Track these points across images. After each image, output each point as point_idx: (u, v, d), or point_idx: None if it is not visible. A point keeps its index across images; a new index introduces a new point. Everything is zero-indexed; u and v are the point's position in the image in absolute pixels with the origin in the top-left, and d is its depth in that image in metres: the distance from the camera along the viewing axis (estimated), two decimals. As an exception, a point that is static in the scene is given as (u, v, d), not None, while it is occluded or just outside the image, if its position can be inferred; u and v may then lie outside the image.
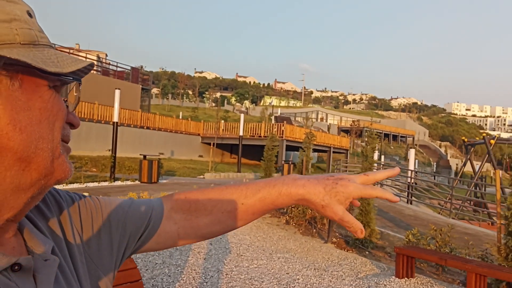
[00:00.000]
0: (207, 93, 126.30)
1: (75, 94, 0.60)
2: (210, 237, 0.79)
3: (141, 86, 29.54)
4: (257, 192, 0.74)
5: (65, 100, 0.58)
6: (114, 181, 14.17)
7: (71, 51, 28.01)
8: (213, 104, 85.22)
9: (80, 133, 19.95)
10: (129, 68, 29.56)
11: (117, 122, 14.81)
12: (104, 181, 14.07)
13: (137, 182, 14.53)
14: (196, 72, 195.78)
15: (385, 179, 0.75)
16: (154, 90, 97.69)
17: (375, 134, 8.86)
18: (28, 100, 0.51)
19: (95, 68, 27.34)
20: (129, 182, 14.52)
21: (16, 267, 0.49)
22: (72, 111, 0.59)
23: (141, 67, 79.81)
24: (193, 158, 26.86)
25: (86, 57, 27.35)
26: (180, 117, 32.50)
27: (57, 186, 0.64)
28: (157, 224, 0.74)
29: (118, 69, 29.07)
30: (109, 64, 30.18)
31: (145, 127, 24.10)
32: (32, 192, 0.52)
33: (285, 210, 10.40)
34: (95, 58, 31.32)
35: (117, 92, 14.69)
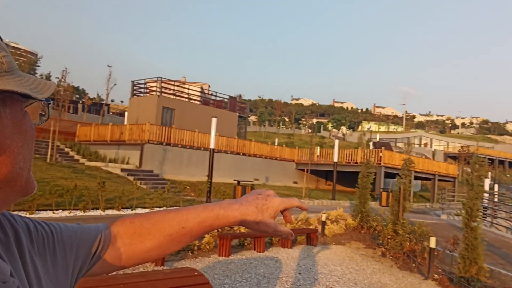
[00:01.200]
0: (303, 119, 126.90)
1: (42, 113, 0.62)
2: (148, 261, 0.82)
3: (238, 114, 30.67)
4: (197, 216, 0.79)
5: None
6: (210, 206, 14.69)
7: (177, 83, 30.18)
8: (309, 131, 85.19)
9: (182, 160, 21.20)
10: (227, 97, 30.96)
11: (213, 149, 15.44)
12: (201, 205, 14.64)
13: (231, 207, 14.87)
14: (292, 99, 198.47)
15: (294, 207, 0.82)
16: (252, 118, 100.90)
17: (483, 160, 7.98)
18: (14, 125, 0.54)
19: (197, 98, 29.13)
20: (224, 207, 14.91)
21: None
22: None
23: (240, 96, 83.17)
24: (288, 184, 26.86)
25: (188, 89, 29.28)
26: (276, 144, 32.93)
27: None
28: (105, 248, 0.75)
29: (218, 98, 30.60)
30: (211, 94, 31.91)
31: (241, 154, 24.81)
32: (4, 208, 0.57)
33: (381, 241, 9.79)
34: (198, 89, 33.38)
35: (214, 120, 15.38)
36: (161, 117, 24.18)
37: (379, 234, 10.22)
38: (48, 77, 60.85)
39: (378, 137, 62.44)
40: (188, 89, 29.14)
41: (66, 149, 21.34)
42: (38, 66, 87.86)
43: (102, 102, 56.91)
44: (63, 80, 22.79)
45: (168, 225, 0.78)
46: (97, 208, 11.78)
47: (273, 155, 27.18)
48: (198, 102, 28.49)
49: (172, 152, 20.61)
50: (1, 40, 0.56)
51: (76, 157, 20.59)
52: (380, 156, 24.25)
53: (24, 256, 0.61)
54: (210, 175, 15.19)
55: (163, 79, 25.80)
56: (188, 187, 18.95)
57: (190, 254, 8.17)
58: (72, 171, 16.06)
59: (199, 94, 31.15)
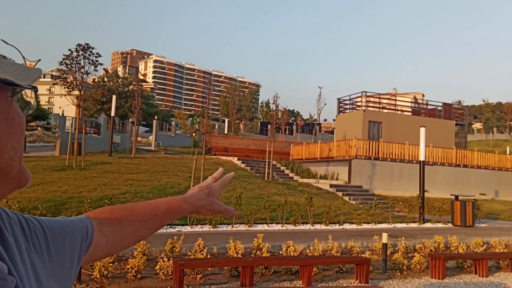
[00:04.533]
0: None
1: (32, 100, 0.60)
2: (129, 246, 0.88)
3: (455, 121, 27.69)
4: (164, 204, 0.91)
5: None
6: (423, 223, 13.51)
7: (387, 96, 29.37)
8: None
9: (392, 174, 20.29)
10: (441, 104, 28.37)
11: (423, 161, 14.25)
12: (413, 222, 13.60)
13: (449, 225, 13.34)
14: None
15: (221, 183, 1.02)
16: (477, 125, 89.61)
17: None
18: (8, 113, 0.53)
19: (408, 109, 27.64)
20: (440, 225, 13.49)
21: None
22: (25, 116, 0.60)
23: (459, 102, 75.10)
24: (526, 199, 22.52)
25: (396, 100, 28.08)
26: (507, 153, 28.23)
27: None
28: (91, 238, 0.77)
29: (429, 107, 28.35)
30: (424, 103, 29.86)
31: (461, 165, 22.16)
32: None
33: None
34: (409, 99, 31.75)
35: (422, 130, 14.23)
36: (368, 131, 23.82)
37: None
38: (267, 104, 67.83)
39: None
40: (396, 100, 27.95)
41: (282, 167, 23.10)
42: (259, 94, 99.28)
43: (314, 122, 59.91)
44: (275, 103, 24.97)
45: (142, 212, 0.87)
46: (306, 223, 12.26)
47: (503, 166, 23.33)
48: (408, 113, 26.99)
49: (381, 166, 19.96)
50: None
51: (290, 174, 22.06)
52: None
53: (21, 251, 0.61)
54: (421, 190, 14.03)
55: (368, 93, 25.50)
56: (400, 202, 17.94)
57: (399, 274, 7.61)
58: (285, 188, 17.25)
59: (409, 104, 29.53)
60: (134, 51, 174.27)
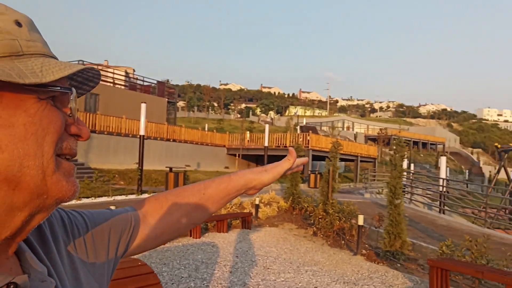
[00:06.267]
0: (232, 104, 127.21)
1: (73, 104, 0.55)
2: (181, 232, 0.86)
3: (167, 99, 29.96)
4: (213, 181, 0.87)
5: (69, 112, 0.55)
6: (141, 194, 14.31)
7: (100, 67, 28.74)
8: (238, 116, 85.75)
9: (109, 147, 20.34)
10: (155, 82, 30.07)
11: (143, 136, 15.00)
12: (132, 194, 14.23)
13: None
14: (221, 85, 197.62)
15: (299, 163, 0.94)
16: (181, 103, 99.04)
17: (404, 142, 8.59)
18: (10, 116, 0.48)
19: (123, 83, 27.95)
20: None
21: (12, 286, 0.48)
22: (74, 122, 0.55)
23: (167, 81, 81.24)
24: (219, 169, 26.93)
25: (114, 73, 27.99)
26: (206, 129, 32.77)
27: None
28: (137, 229, 0.77)
29: (145, 83, 29.60)
30: (136, 79, 30.77)
31: (171, 140, 24.36)
32: (28, 211, 0.50)
33: (312, 221, 10.21)
34: (123, 73, 32.01)
35: (143, 105, 14.90)
36: (84, 103, 22.92)
37: (310, 214, 10.64)
38: None
39: (304, 121, 64.51)
40: (113, 73, 27.85)
41: None
42: None
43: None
44: None
45: (190, 194, 0.84)
46: None
47: (204, 141, 27.02)
48: (123, 87, 27.36)
49: (98, 139, 19.67)
50: (19, 25, 0.51)
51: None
52: (308, 140, 25.10)
53: (60, 250, 0.61)
54: (140, 163, 14.76)
55: (84, 62, 24.38)
56: (117, 175, 18.27)
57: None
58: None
59: (123, 78, 29.90)
60: None
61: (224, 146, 28.27)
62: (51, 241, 0.60)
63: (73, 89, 0.54)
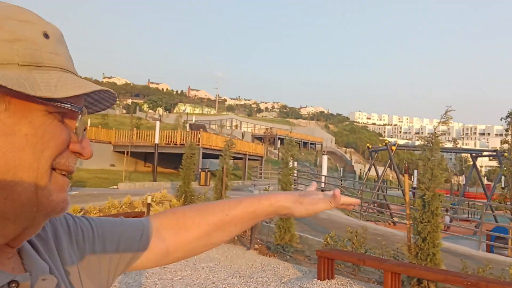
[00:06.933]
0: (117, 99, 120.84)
1: (80, 124, 0.55)
2: (197, 253, 0.81)
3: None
4: (239, 203, 0.80)
5: (75, 130, 0.55)
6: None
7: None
8: (124, 111, 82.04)
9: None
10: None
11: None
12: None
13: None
14: (104, 77, 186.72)
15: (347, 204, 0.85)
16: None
17: (295, 142, 9.17)
18: (14, 125, 0.48)
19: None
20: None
21: (13, 285, 0.49)
22: (78, 139, 0.55)
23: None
24: (104, 167, 25.49)
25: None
26: (89, 125, 30.75)
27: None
28: (147, 240, 0.74)
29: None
30: None
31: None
32: (22, 223, 0.50)
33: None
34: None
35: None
36: None
37: (204, 212, 10.75)
38: None
39: (194, 119, 64.31)
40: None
41: None
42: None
43: None
44: None
45: (212, 213, 0.79)
46: None
47: (88, 137, 25.24)
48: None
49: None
50: (46, 37, 0.52)
51: None
52: (199, 138, 25.13)
53: (62, 252, 0.61)
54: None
55: None
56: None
57: None
58: None
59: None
60: None
61: (110, 142, 26.86)
62: (52, 241, 0.61)
63: (84, 109, 0.54)
